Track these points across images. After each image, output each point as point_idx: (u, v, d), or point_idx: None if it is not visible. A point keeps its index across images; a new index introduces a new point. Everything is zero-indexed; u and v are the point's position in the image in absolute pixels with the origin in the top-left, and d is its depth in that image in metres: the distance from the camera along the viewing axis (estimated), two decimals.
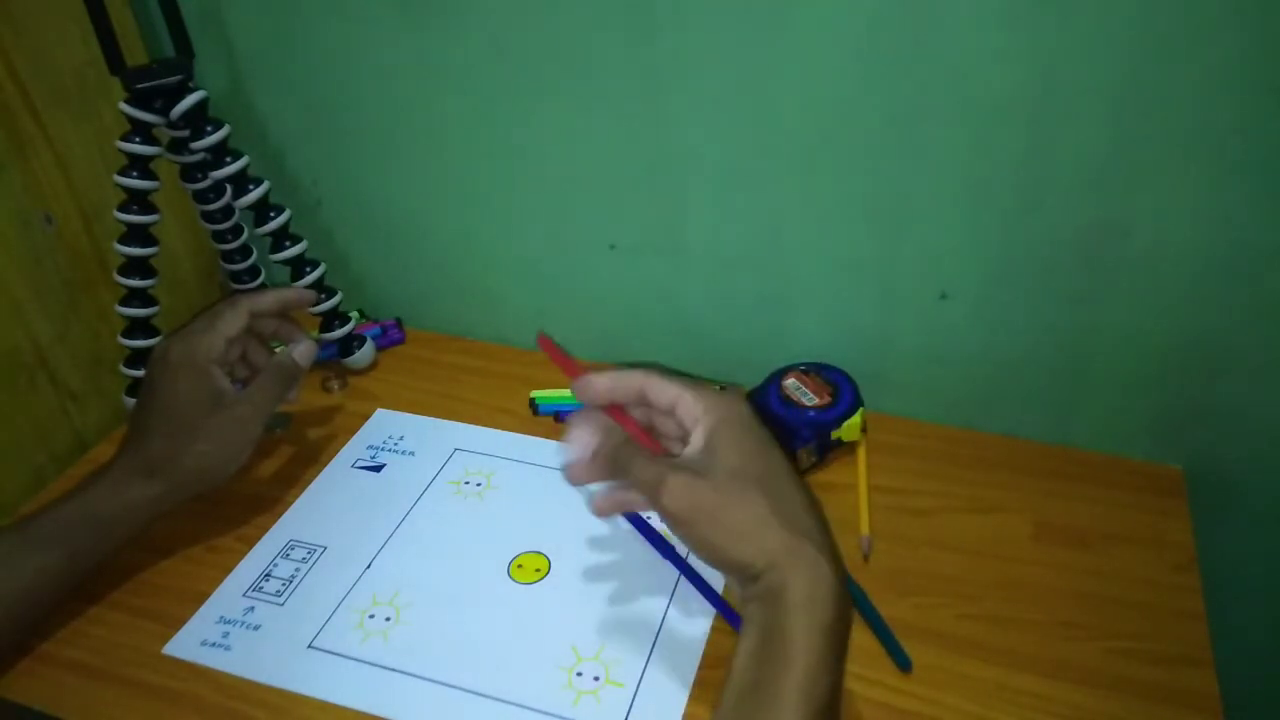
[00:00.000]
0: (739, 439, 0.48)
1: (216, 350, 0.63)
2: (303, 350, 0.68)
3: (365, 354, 0.83)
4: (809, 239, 0.72)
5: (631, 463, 0.49)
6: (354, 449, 0.75)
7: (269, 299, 0.67)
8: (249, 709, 0.56)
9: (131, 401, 0.79)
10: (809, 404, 0.71)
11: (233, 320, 0.64)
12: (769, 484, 0.47)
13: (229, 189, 0.76)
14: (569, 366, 0.54)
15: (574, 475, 0.51)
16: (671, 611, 0.60)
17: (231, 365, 0.66)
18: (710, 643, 0.58)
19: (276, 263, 0.78)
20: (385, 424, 0.78)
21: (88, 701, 0.57)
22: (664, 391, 0.50)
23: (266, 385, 0.65)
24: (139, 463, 0.61)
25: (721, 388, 0.50)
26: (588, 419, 0.51)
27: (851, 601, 0.46)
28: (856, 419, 0.70)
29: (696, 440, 0.48)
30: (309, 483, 0.72)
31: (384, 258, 0.88)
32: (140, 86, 0.69)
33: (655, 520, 0.63)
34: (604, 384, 0.51)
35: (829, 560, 0.45)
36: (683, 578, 0.62)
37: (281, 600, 0.63)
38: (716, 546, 0.46)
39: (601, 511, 0.54)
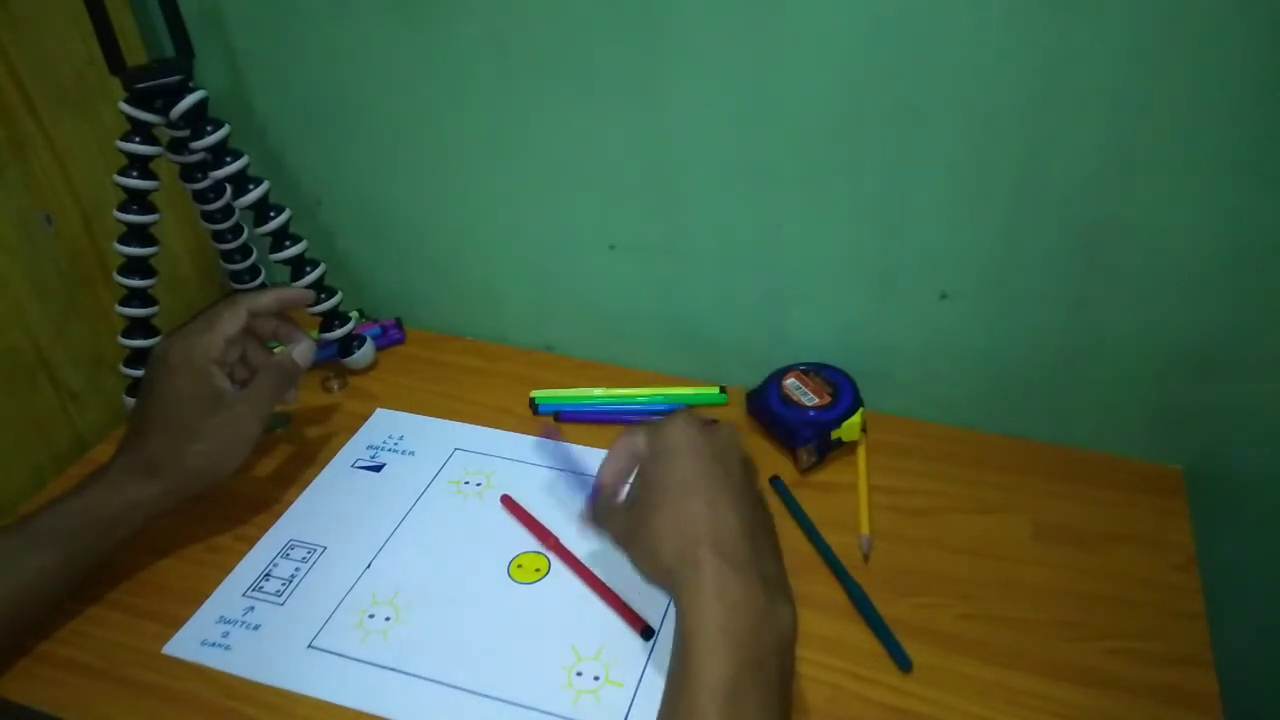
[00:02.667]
0: (663, 465, 0.52)
1: (215, 350, 0.63)
2: (301, 350, 0.68)
3: (365, 354, 0.83)
4: (809, 239, 0.72)
5: (590, 511, 0.57)
6: (354, 449, 0.75)
7: (268, 299, 0.67)
8: (249, 709, 0.56)
9: (131, 401, 0.79)
10: (809, 404, 0.71)
11: (232, 320, 0.64)
12: (678, 502, 0.50)
13: (229, 189, 0.76)
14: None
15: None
16: (671, 611, 0.60)
17: (231, 366, 0.66)
18: None
19: (276, 263, 0.78)
20: (385, 424, 0.78)
21: (88, 701, 0.57)
22: (636, 445, 0.55)
23: (265, 385, 0.65)
24: (138, 462, 0.61)
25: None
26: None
27: (785, 614, 0.47)
28: (856, 419, 0.70)
29: (640, 473, 0.54)
30: (309, 482, 0.72)
31: (384, 258, 0.88)
32: (140, 86, 0.69)
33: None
34: (608, 474, 0.56)
35: (728, 565, 0.47)
36: None
37: (281, 600, 0.63)
38: (638, 566, 0.53)
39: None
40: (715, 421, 0.54)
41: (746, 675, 0.44)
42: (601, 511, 0.56)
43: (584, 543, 0.65)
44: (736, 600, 0.46)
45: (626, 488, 0.56)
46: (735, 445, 0.54)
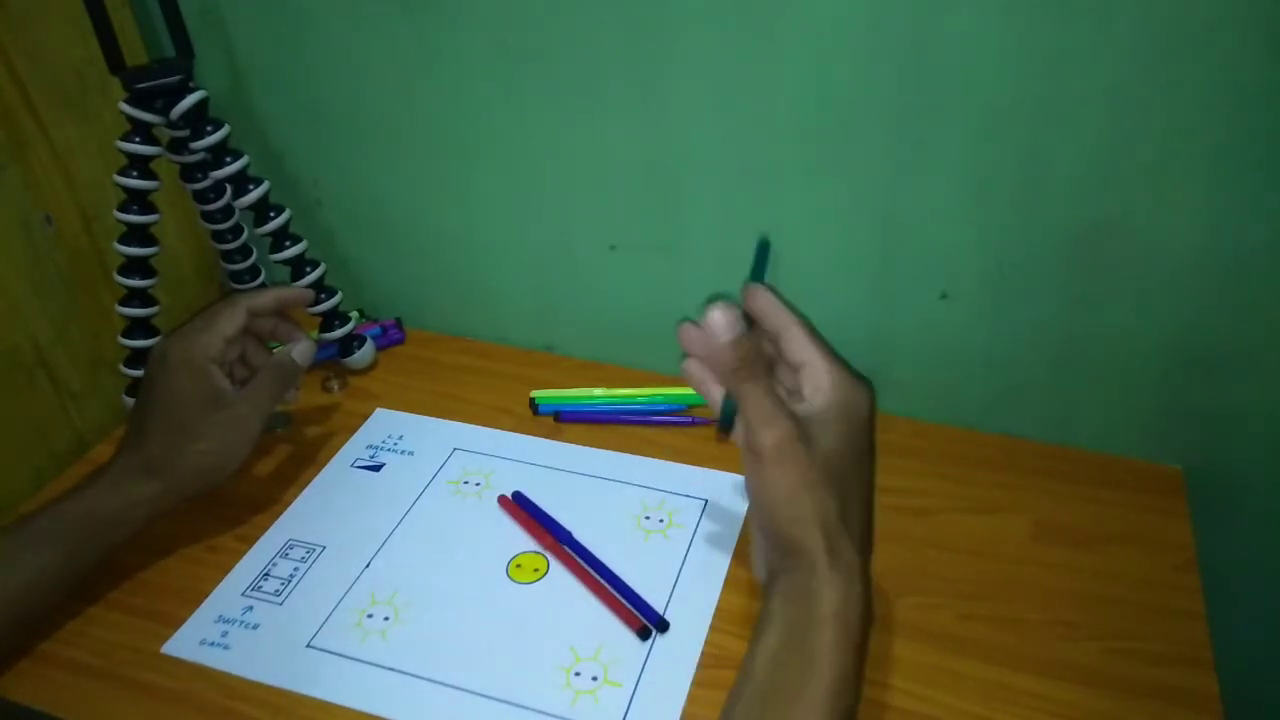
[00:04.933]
0: (848, 431, 0.47)
1: (215, 349, 0.63)
2: (301, 349, 0.68)
3: (365, 354, 0.83)
4: (809, 239, 0.72)
5: (752, 385, 0.48)
6: (353, 449, 0.75)
7: (267, 298, 0.67)
8: (248, 708, 0.56)
9: (131, 401, 0.79)
10: None
11: (231, 319, 0.64)
12: (846, 486, 0.47)
13: (229, 189, 0.76)
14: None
15: (690, 342, 0.50)
16: (670, 611, 0.60)
17: (230, 365, 0.66)
18: (709, 643, 0.58)
19: (276, 263, 0.78)
20: (385, 424, 0.78)
21: (87, 701, 0.57)
22: (801, 347, 0.49)
23: (265, 384, 0.65)
24: (138, 462, 0.61)
25: (858, 376, 0.49)
26: (731, 310, 0.49)
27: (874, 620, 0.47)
28: None
29: (815, 406, 0.47)
30: (308, 482, 0.72)
31: (384, 258, 0.88)
32: (140, 86, 0.70)
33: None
34: (762, 302, 0.50)
35: (863, 578, 0.46)
36: (681, 574, 0.63)
37: (280, 600, 0.63)
38: (772, 501, 0.46)
39: (685, 372, 0.52)
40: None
41: (860, 692, 0.45)
42: (762, 386, 0.48)
43: (582, 543, 0.65)
44: (865, 615, 0.46)
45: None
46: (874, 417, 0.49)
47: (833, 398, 0.47)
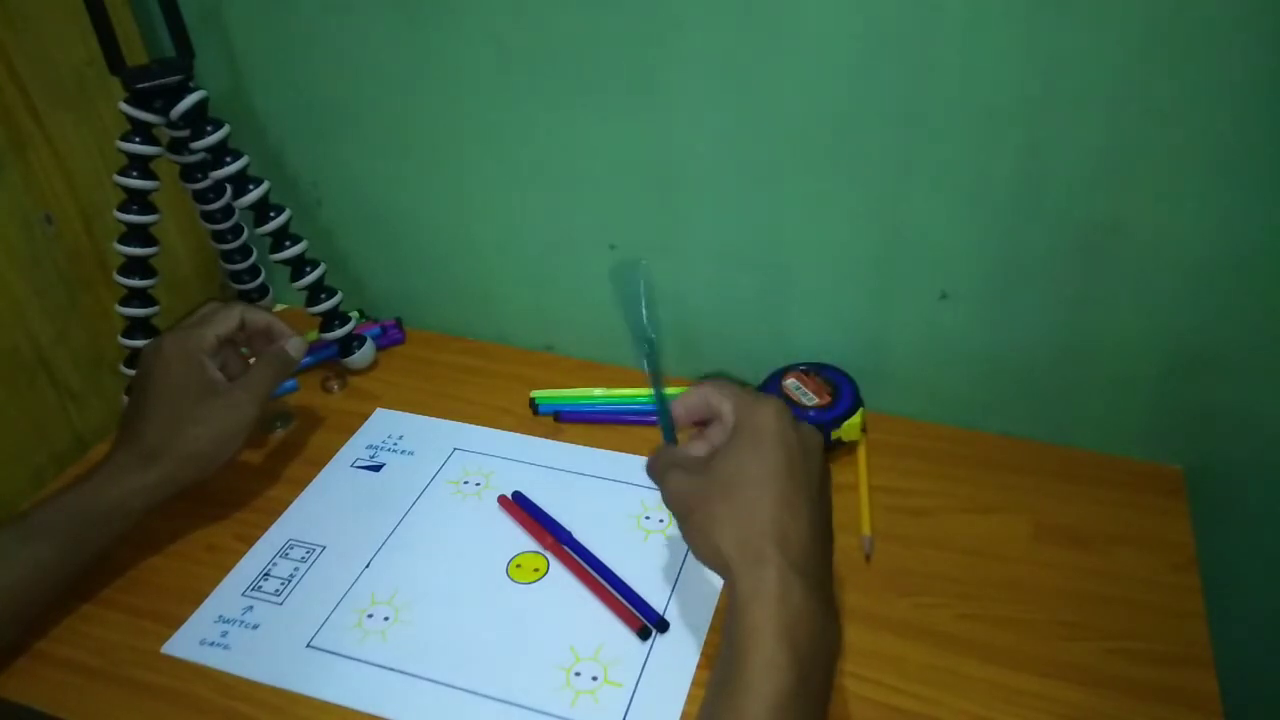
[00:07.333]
0: (747, 448, 0.50)
1: (208, 344, 0.64)
2: (295, 343, 0.69)
3: (365, 354, 0.83)
4: (809, 239, 0.72)
5: (655, 458, 0.55)
6: (353, 449, 0.75)
7: (262, 316, 0.68)
8: (248, 708, 0.56)
9: None
10: (809, 404, 0.71)
11: (225, 321, 0.66)
12: (752, 492, 0.48)
13: (229, 189, 0.76)
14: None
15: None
16: (670, 611, 0.60)
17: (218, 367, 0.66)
18: (708, 643, 0.58)
19: (276, 263, 0.78)
20: (385, 424, 0.78)
21: (87, 701, 0.57)
22: (719, 403, 0.53)
23: (262, 372, 0.67)
24: (135, 451, 0.62)
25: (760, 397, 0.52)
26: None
27: (836, 629, 0.47)
28: (856, 419, 0.70)
29: (721, 439, 0.52)
30: (308, 482, 0.72)
31: (384, 258, 0.88)
32: (140, 86, 0.70)
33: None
34: (686, 406, 0.55)
35: (794, 571, 0.45)
36: (681, 574, 0.63)
37: (280, 600, 0.63)
38: (689, 539, 0.51)
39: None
40: (800, 420, 0.52)
41: (799, 687, 0.43)
42: (665, 461, 0.53)
43: (582, 543, 0.65)
44: (798, 609, 0.45)
45: (701, 445, 0.54)
46: (819, 449, 0.51)
47: (733, 424, 0.51)
